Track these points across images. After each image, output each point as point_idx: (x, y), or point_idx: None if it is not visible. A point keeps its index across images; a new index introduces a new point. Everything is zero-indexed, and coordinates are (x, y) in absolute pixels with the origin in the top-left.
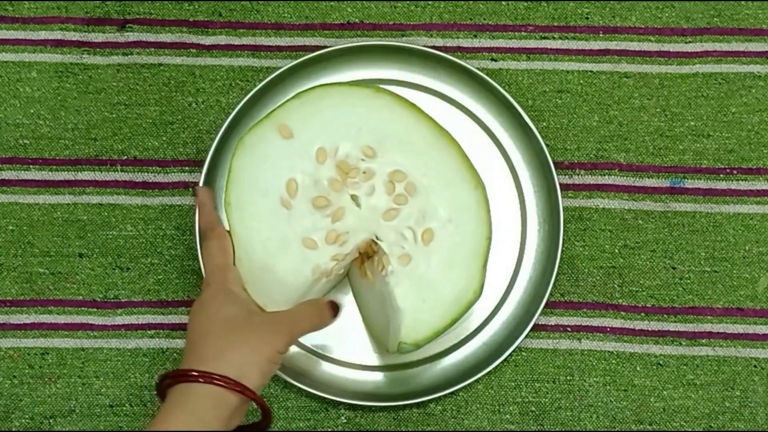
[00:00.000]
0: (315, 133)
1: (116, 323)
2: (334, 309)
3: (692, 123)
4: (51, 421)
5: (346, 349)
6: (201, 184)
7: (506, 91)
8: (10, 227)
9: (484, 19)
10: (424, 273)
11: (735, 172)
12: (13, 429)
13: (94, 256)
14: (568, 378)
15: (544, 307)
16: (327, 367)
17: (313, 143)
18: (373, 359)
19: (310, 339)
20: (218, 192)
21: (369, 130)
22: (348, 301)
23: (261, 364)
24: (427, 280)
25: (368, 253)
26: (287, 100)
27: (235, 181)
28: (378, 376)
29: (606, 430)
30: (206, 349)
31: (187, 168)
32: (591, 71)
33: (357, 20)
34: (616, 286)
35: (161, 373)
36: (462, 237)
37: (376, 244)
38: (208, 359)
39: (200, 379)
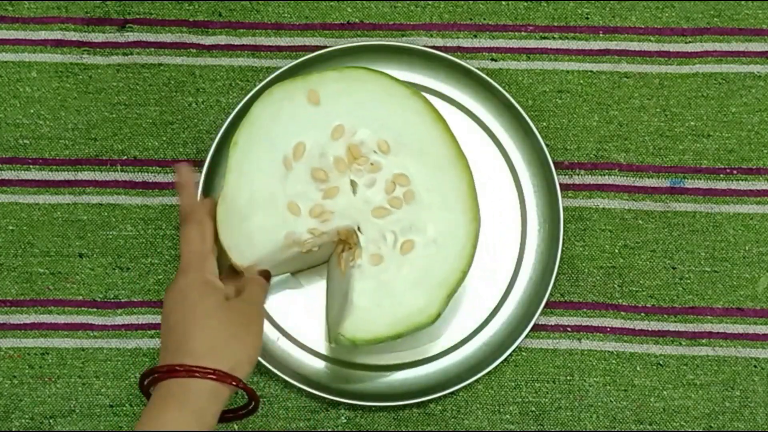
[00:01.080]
0: (341, 110)
1: (116, 323)
2: (265, 275)
3: (692, 123)
4: (51, 421)
5: (346, 348)
6: (201, 184)
7: (506, 91)
8: (10, 227)
9: (484, 19)
10: (389, 280)
11: (735, 172)
12: (13, 429)
13: (94, 256)
14: (568, 378)
15: (544, 307)
16: (327, 368)
17: (335, 119)
18: (374, 359)
19: (309, 340)
20: (217, 190)
21: (391, 127)
22: None
23: (249, 354)
24: (389, 287)
25: (349, 245)
26: (327, 70)
27: (248, 125)
28: (378, 376)
29: (606, 430)
30: (195, 344)
31: None
32: (591, 71)
33: (357, 20)
34: (616, 286)
35: (147, 368)
36: (439, 262)
37: (356, 235)
38: (201, 354)
39: (196, 375)
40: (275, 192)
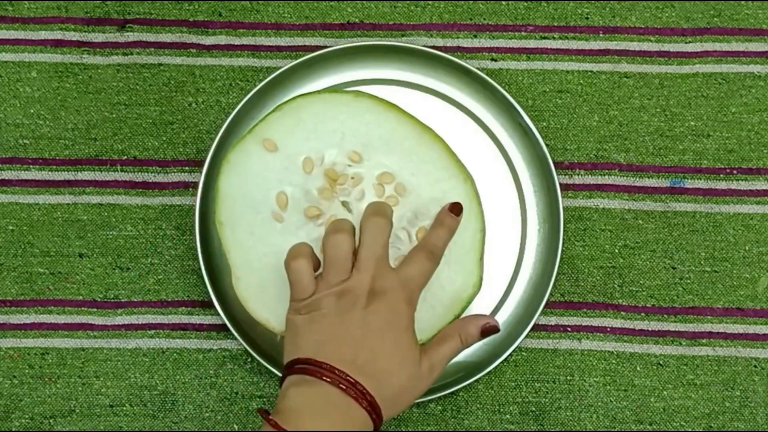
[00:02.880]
0: (300, 144)
1: (116, 323)
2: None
3: (692, 123)
4: (51, 421)
5: None
6: (201, 184)
7: (506, 91)
8: (10, 227)
9: (484, 19)
10: None
11: (735, 172)
12: (13, 429)
13: (94, 256)
14: (568, 378)
15: (544, 307)
16: None
17: (299, 154)
18: None
19: None
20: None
21: (353, 135)
22: None
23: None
24: None
25: None
26: (268, 114)
27: (224, 199)
28: None
29: (606, 430)
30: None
31: (187, 168)
32: (591, 71)
33: (357, 20)
34: (616, 286)
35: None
36: (456, 232)
37: None
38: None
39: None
40: (281, 248)
